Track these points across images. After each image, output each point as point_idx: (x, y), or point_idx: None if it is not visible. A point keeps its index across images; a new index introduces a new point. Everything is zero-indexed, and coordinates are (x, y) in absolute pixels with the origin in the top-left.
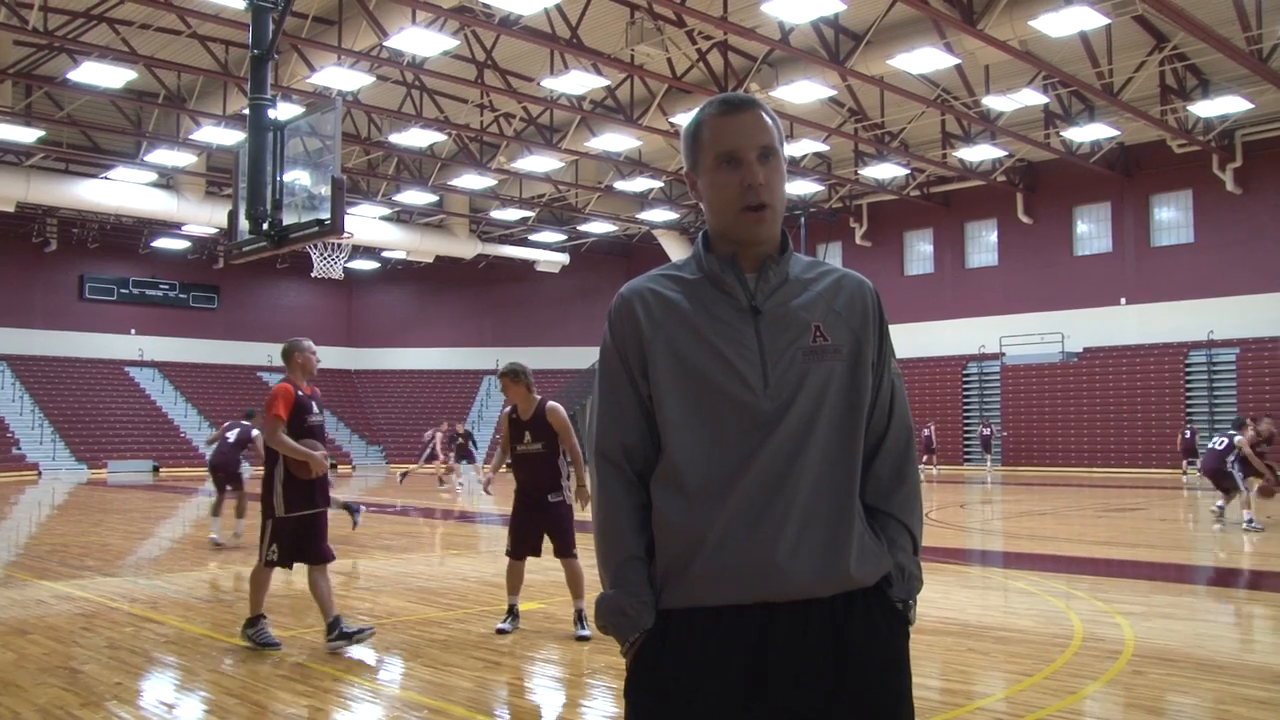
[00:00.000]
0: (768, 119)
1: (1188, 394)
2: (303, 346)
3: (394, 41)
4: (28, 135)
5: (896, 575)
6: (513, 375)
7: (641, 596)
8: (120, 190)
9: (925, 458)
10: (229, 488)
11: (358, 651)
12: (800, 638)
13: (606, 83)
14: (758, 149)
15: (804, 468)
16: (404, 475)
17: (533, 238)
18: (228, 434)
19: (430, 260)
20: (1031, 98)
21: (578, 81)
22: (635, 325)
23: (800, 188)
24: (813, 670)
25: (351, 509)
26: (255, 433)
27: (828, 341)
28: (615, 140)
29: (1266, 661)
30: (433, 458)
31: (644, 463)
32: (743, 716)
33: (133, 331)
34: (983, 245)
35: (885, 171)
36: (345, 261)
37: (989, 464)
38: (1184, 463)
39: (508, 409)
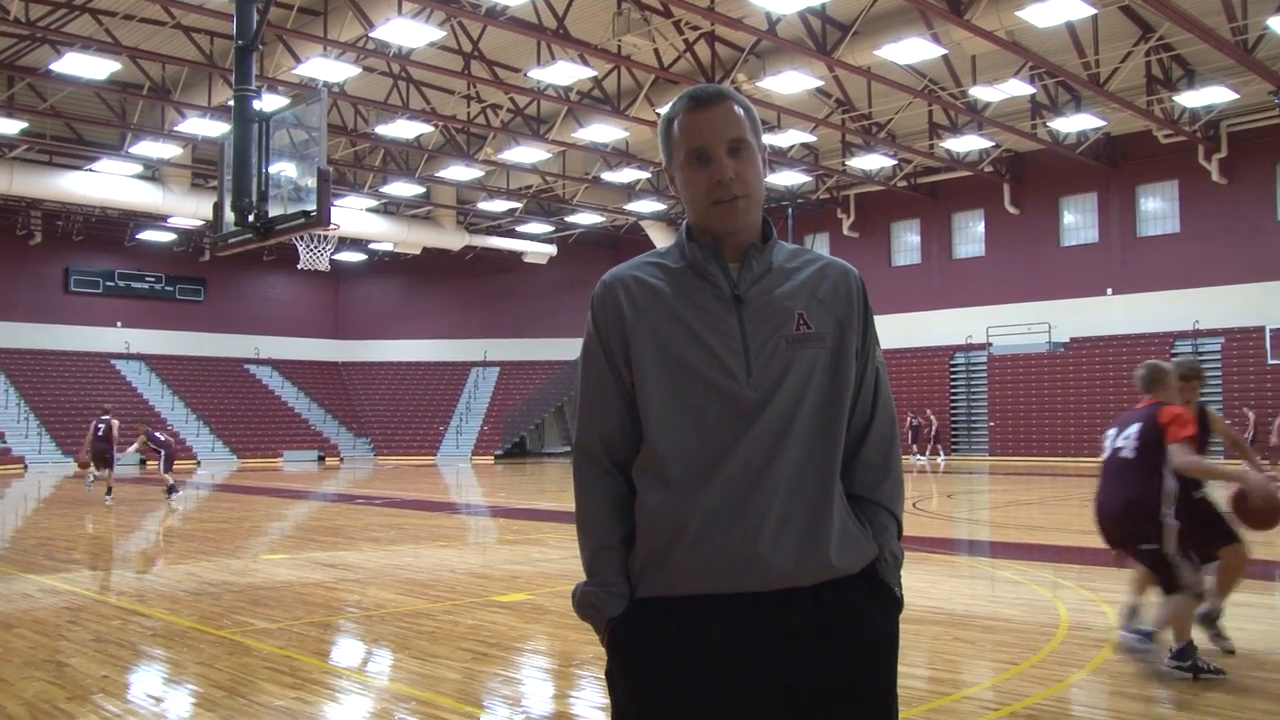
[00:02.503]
0: (738, 110)
1: None
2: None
3: (380, 32)
4: (11, 127)
5: (889, 560)
6: None
7: (611, 586)
8: (105, 182)
9: (930, 448)
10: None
11: (345, 644)
12: (784, 627)
13: (593, 73)
14: (727, 143)
15: (786, 457)
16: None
17: (520, 229)
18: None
19: (417, 252)
20: (1018, 88)
21: (565, 72)
22: (618, 313)
23: (787, 178)
24: (797, 659)
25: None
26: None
27: (811, 329)
28: (602, 131)
29: (1249, 649)
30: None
31: (624, 452)
32: (725, 706)
33: (119, 324)
34: (970, 236)
35: (872, 162)
36: (332, 253)
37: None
38: None
39: None
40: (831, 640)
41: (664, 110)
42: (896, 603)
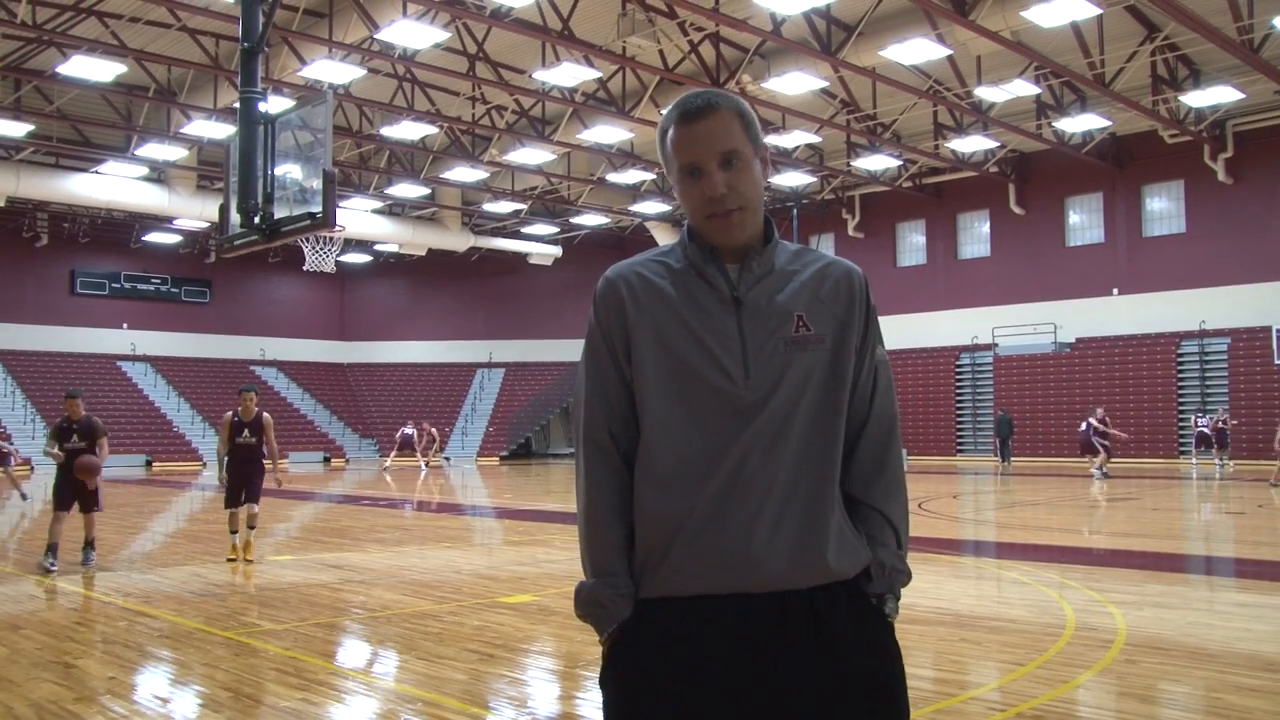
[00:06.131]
0: (730, 120)
1: (1180, 384)
2: None
3: (385, 34)
4: (17, 129)
5: (876, 570)
6: None
7: (620, 588)
8: (111, 184)
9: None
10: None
11: (351, 645)
12: (778, 629)
13: (598, 75)
14: (718, 156)
15: (782, 458)
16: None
17: (525, 230)
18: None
19: (422, 253)
20: (1023, 88)
21: (569, 74)
22: (620, 308)
23: (792, 179)
24: (792, 662)
25: None
26: None
27: (810, 331)
28: (607, 132)
29: (1257, 649)
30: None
31: (629, 446)
32: (718, 707)
33: (124, 326)
34: (975, 236)
35: (877, 163)
36: (337, 255)
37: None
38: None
39: None
40: (825, 645)
41: (662, 114)
42: (883, 617)
